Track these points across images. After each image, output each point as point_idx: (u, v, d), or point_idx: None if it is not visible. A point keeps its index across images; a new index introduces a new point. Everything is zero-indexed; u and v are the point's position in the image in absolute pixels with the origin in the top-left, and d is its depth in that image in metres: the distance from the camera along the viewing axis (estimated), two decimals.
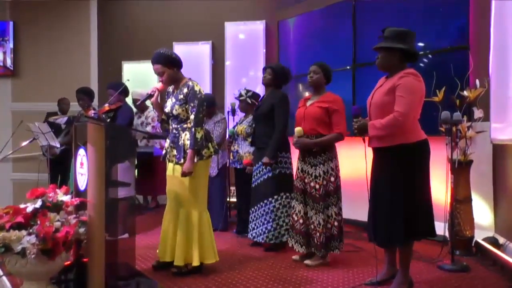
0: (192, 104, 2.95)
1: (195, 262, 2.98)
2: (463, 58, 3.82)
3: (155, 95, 3.02)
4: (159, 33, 6.52)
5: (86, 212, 2.49)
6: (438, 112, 3.55)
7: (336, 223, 3.19)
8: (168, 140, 3.10)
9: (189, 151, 2.92)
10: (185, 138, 2.97)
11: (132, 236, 3.14)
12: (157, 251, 3.17)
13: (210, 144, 3.04)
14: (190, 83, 3.01)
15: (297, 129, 3.24)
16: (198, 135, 2.92)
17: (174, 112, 2.99)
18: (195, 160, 2.96)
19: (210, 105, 4.50)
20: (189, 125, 2.97)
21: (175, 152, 3.01)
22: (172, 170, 3.08)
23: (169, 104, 3.06)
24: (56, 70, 6.59)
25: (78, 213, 2.49)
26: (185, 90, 2.98)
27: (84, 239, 2.42)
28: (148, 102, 5.16)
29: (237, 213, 4.50)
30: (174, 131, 3.04)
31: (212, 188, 4.51)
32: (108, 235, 2.50)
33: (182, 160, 2.96)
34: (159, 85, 3.05)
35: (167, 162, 3.13)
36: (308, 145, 3.21)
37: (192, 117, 2.93)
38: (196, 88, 2.97)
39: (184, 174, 2.92)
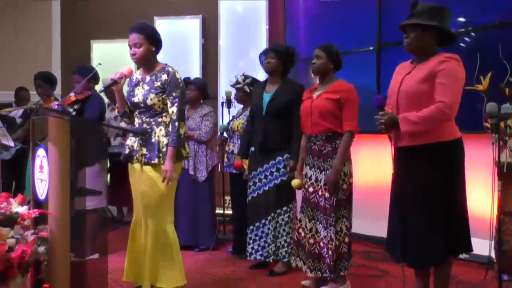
0: (174, 94, 3.03)
1: (178, 283, 3.03)
2: None
3: (122, 82, 3.05)
4: (136, 6, 6.53)
5: (46, 227, 2.49)
6: (482, 103, 3.55)
7: (346, 239, 3.27)
8: (132, 138, 3.13)
9: (169, 149, 2.97)
10: (160, 134, 3.03)
11: (103, 256, 3.16)
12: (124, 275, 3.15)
13: (186, 144, 3.16)
14: (170, 69, 3.08)
15: (296, 182, 3.39)
16: (182, 131, 3.01)
17: (148, 102, 3.04)
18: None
19: (201, 91, 4.56)
20: (165, 119, 3.05)
21: (144, 150, 3.05)
22: (140, 172, 3.09)
23: (140, 93, 3.09)
24: (5, 50, 6.53)
25: (37, 228, 2.49)
26: (164, 76, 3.05)
27: (44, 260, 2.42)
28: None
29: (234, 229, 4.53)
30: (144, 125, 3.09)
31: (200, 196, 4.55)
32: (74, 256, 2.50)
33: (156, 160, 3.00)
34: (126, 69, 3.08)
35: (132, 164, 3.13)
36: (337, 172, 3.19)
37: (174, 109, 3.01)
38: (178, 76, 3.08)
39: (167, 178, 2.95)
